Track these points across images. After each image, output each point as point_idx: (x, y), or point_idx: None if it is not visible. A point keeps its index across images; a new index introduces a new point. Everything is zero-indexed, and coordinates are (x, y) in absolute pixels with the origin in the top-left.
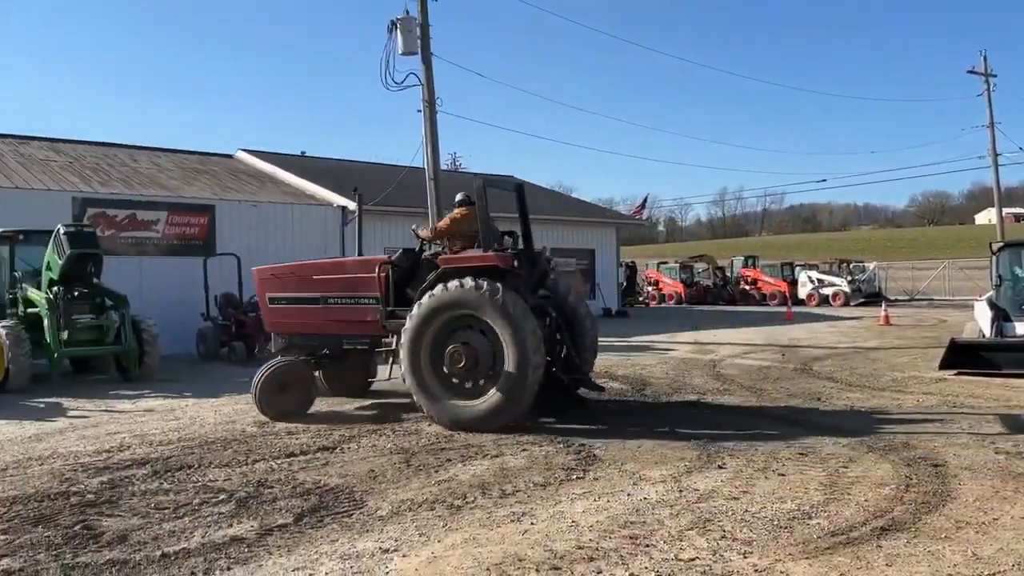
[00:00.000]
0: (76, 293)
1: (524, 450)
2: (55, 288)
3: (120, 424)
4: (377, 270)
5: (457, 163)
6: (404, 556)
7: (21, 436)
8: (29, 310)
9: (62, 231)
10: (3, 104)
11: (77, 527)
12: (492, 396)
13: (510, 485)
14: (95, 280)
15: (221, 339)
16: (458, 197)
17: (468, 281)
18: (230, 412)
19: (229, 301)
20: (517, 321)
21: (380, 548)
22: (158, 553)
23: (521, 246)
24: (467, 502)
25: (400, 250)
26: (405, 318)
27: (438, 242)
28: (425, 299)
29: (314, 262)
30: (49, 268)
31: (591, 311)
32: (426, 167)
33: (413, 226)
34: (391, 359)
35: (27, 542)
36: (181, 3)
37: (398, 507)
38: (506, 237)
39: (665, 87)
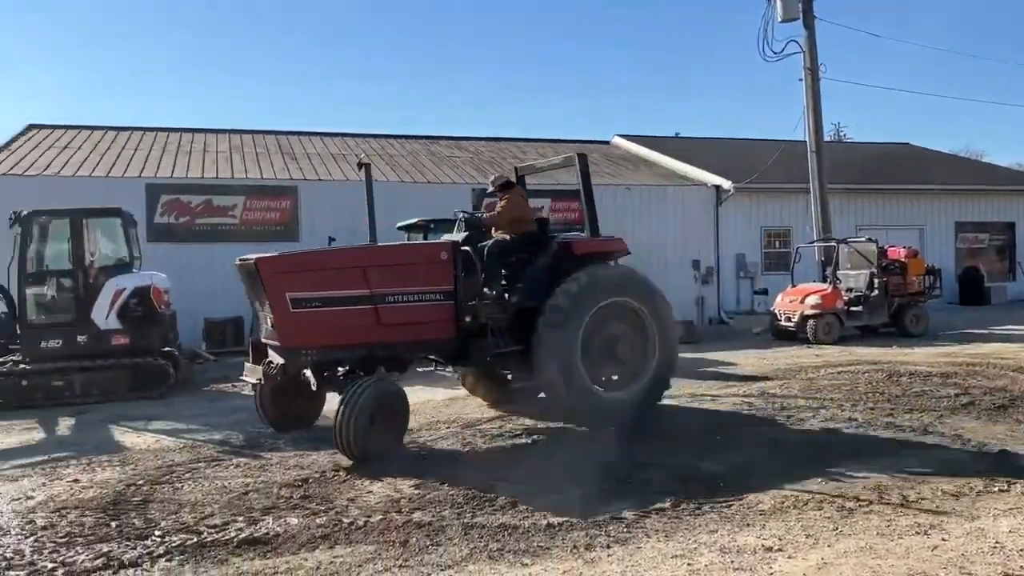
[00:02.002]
0: None
1: (923, 450)
2: None
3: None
4: (447, 256)
5: (841, 133)
6: (790, 558)
7: (433, 400)
8: None
9: (462, 218)
10: (408, 109)
11: (479, 488)
12: (637, 387)
13: (913, 491)
14: None
15: None
16: (496, 181)
17: (626, 268)
18: None
19: None
20: (667, 310)
21: (763, 545)
22: (544, 522)
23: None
24: (860, 504)
25: (467, 233)
26: (500, 309)
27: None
28: (573, 286)
29: (357, 247)
30: None
31: None
32: (807, 139)
33: (459, 212)
34: (502, 363)
35: (436, 499)
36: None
37: (780, 502)
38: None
39: None
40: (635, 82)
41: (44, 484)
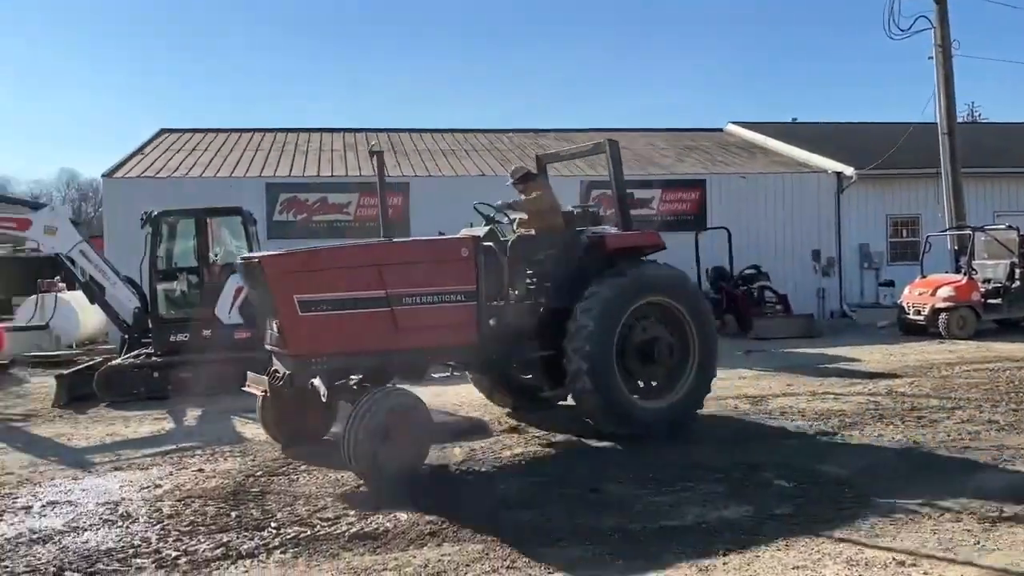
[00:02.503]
0: None
1: None
2: None
3: None
4: (469, 252)
5: (976, 113)
6: (925, 574)
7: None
8: None
9: (485, 209)
10: (511, 103)
11: (585, 489)
12: (676, 395)
13: None
14: None
15: (713, 312)
16: (516, 172)
17: (662, 265)
18: (722, 387)
19: (720, 275)
20: (707, 310)
21: (894, 560)
22: (656, 525)
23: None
24: (1005, 517)
25: (485, 226)
26: (526, 311)
27: (515, 225)
28: (607, 285)
29: (370, 243)
30: None
31: None
32: (938, 120)
33: (477, 203)
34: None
35: (544, 499)
36: None
37: (913, 512)
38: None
39: None
40: (749, 68)
41: (171, 473)
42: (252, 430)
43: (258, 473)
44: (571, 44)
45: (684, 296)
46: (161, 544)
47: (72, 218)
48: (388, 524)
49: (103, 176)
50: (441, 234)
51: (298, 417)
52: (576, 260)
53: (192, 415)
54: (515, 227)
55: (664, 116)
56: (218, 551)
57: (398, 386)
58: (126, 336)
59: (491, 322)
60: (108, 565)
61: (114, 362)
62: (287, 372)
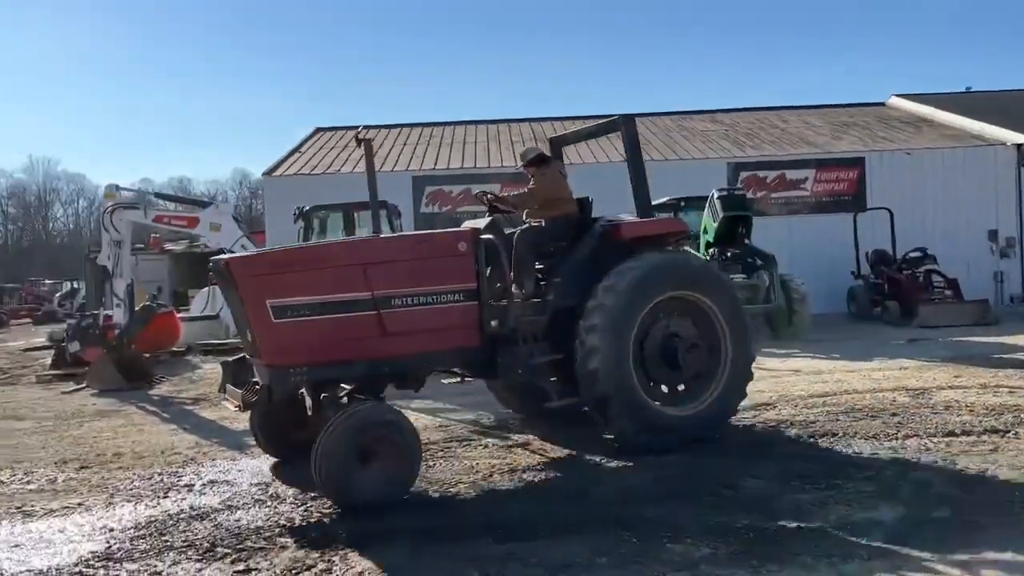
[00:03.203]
0: (729, 254)
1: None
2: (711, 250)
3: (768, 382)
4: (467, 247)
5: None
6: None
7: None
8: None
9: (716, 196)
10: (657, 87)
11: (721, 484)
12: (706, 401)
13: None
14: (746, 241)
15: (873, 298)
16: (527, 154)
17: (687, 256)
18: (880, 378)
19: (881, 258)
20: (739, 305)
21: None
22: (793, 525)
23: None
24: None
25: (486, 218)
26: (533, 310)
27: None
28: (623, 279)
29: (355, 240)
30: (705, 231)
31: None
32: None
33: (480, 193)
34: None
35: (673, 493)
36: None
37: None
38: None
39: None
40: (917, 34)
41: None
42: None
43: None
44: (721, 17)
45: (713, 290)
46: (304, 524)
47: (234, 215)
48: (517, 515)
49: (263, 175)
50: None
51: (294, 428)
52: (588, 252)
53: None
54: (525, 217)
55: (821, 92)
56: (356, 535)
57: (378, 400)
58: None
59: (493, 323)
60: (255, 543)
61: None
62: (265, 384)
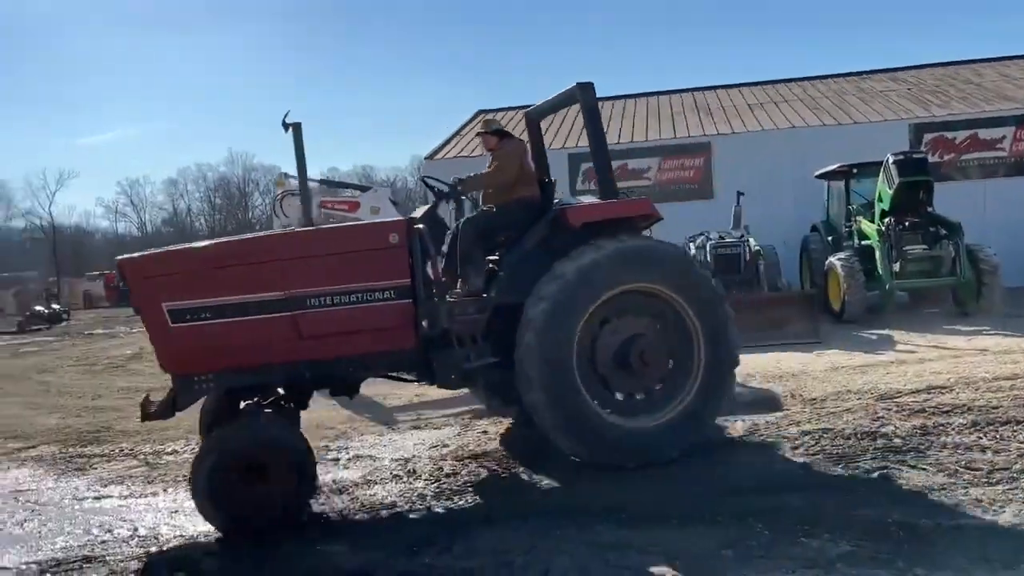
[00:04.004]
0: (907, 223)
1: None
2: (886, 219)
3: (947, 363)
4: (399, 240)
5: None
6: None
7: (847, 366)
8: (863, 242)
9: (891, 160)
10: (841, 46)
11: (875, 474)
12: (670, 412)
13: None
14: (928, 208)
15: None
16: (488, 125)
17: (652, 242)
18: None
19: None
20: (718, 300)
21: None
22: (952, 523)
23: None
24: None
25: (420, 207)
26: (473, 308)
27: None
28: (567, 269)
29: (260, 237)
30: (880, 199)
31: None
32: None
33: (425, 176)
34: (446, 384)
35: (814, 482)
36: None
37: None
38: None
39: None
40: None
41: (459, 433)
42: None
43: (535, 438)
44: None
45: (680, 282)
46: (434, 502)
47: (391, 198)
48: (643, 500)
49: (425, 159)
50: (740, 195)
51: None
52: (537, 241)
53: None
54: (482, 202)
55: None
56: (479, 514)
57: (268, 412)
58: None
59: (424, 323)
60: (386, 519)
61: None
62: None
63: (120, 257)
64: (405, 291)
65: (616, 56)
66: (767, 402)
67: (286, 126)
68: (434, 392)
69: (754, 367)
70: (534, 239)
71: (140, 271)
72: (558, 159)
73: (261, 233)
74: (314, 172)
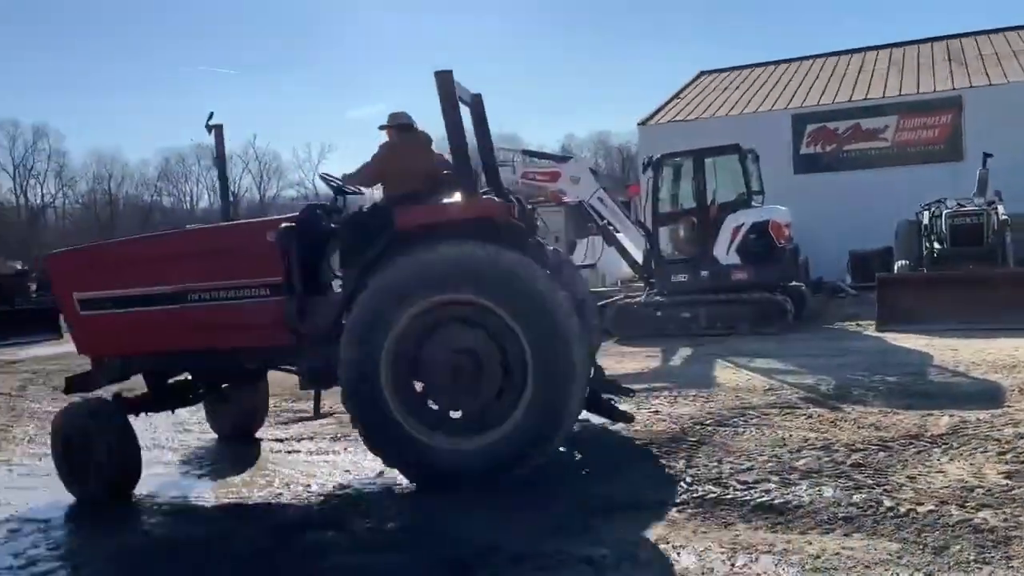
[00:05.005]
0: None
1: None
2: None
3: None
4: (274, 239)
5: None
6: None
7: None
8: None
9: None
10: None
11: None
12: (495, 432)
13: None
14: None
15: None
16: (392, 120)
17: (468, 246)
18: None
19: None
20: (550, 304)
21: None
22: None
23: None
24: None
25: (307, 205)
26: (333, 315)
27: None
28: (378, 279)
29: (157, 235)
30: None
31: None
32: None
33: (322, 173)
34: (312, 383)
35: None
36: None
37: None
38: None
39: None
40: None
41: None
42: (728, 375)
43: (707, 421)
44: None
45: (505, 295)
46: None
47: (592, 168)
48: (805, 498)
49: (639, 124)
50: (987, 156)
51: (223, 410)
52: (383, 243)
53: (681, 355)
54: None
55: None
56: (619, 500)
57: (98, 395)
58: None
59: (302, 320)
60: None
61: (623, 301)
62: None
63: (52, 254)
64: (278, 289)
65: (853, 4)
66: (986, 396)
67: (209, 129)
68: (619, 365)
69: (982, 355)
70: (382, 241)
71: (57, 265)
72: (779, 122)
73: (164, 231)
74: (550, 140)
